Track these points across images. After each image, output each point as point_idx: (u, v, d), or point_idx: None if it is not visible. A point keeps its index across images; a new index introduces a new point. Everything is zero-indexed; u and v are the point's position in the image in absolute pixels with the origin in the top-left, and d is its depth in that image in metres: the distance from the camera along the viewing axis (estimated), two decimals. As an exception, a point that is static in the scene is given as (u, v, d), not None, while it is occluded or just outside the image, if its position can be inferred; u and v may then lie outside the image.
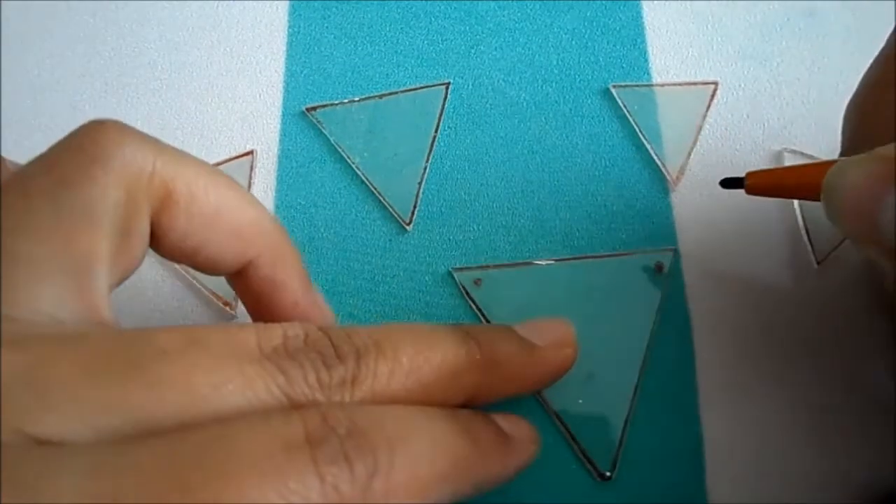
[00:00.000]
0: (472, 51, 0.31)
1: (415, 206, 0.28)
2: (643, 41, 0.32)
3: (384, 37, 0.32)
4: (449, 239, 0.28)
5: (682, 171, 0.29)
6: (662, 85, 0.31)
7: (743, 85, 0.31)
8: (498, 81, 0.31)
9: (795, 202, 0.28)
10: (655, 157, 0.29)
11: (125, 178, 0.18)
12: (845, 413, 0.25)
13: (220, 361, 0.16)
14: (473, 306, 0.26)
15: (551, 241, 0.28)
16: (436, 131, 0.30)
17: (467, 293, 0.27)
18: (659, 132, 0.29)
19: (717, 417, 0.25)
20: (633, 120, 0.30)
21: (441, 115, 0.30)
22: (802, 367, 0.26)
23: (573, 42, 0.32)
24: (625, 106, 0.30)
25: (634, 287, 0.27)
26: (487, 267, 0.27)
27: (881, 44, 0.23)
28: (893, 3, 0.31)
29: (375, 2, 0.33)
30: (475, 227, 0.28)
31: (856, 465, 0.25)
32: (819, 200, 0.21)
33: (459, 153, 0.29)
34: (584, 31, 0.32)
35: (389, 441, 0.16)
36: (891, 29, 0.23)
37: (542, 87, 0.31)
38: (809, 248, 0.27)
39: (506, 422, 0.21)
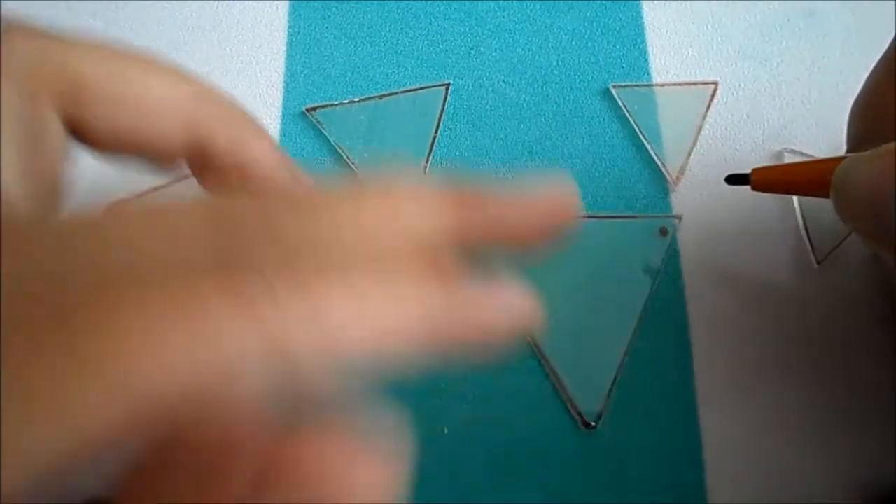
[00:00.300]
0: (472, 51, 0.31)
1: (415, 207, 0.28)
2: (643, 41, 0.32)
3: (384, 37, 0.32)
4: (449, 239, 0.28)
5: (682, 171, 0.29)
6: (662, 85, 0.31)
7: (743, 85, 0.31)
8: (498, 82, 0.31)
9: (796, 202, 0.28)
10: (655, 157, 0.29)
11: (19, 80, 0.17)
12: (845, 412, 0.25)
13: None
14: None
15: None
16: (436, 132, 0.30)
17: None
18: (659, 132, 0.29)
19: (717, 417, 0.25)
20: (633, 120, 0.30)
21: (441, 115, 0.30)
22: (802, 367, 0.26)
23: (573, 42, 0.32)
24: (625, 106, 0.30)
25: (637, 248, 0.27)
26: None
27: (881, 44, 0.23)
28: (893, 3, 0.31)
29: (375, 2, 0.33)
30: (475, 228, 0.28)
31: (856, 464, 0.25)
32: (825, 196, 0.21)
33: (459, 154, 0.29)
34: (584, 31, 0.32)
35: (333, 267, 0.13)
36: (891, 29, 0.23)
37: (542, 87, 0.31)
38: (809, 248, 0.27)
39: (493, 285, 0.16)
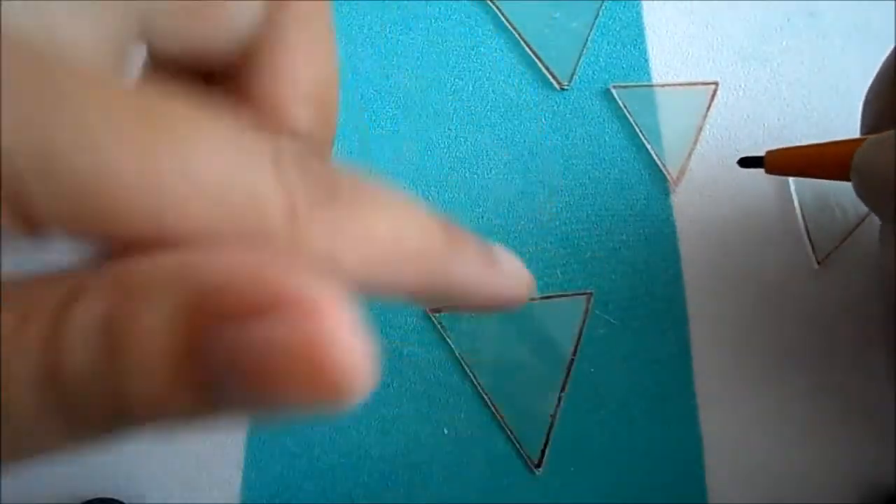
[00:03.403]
0: (472, 51, 0.31)
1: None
2: (643, 41, 0.32)
3: (384, 37, 0.32)
4: (449, 240, 0.28)
5: (682, 171, 0.29)
6: (662, 85, 0.31)
7: (743, 85, 0.31)
8: (498, 83, 0.31)
9: (796, 202, 0.28)
10: (655, 158, 0.29)
11: None
12: (845, 412, 0.25)
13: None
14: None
15: (551, 242, 0.28)
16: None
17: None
18: (659, 132, 0.29)
19: (717, 418, 0.25)
20: (633, 120, 0.30)
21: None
22: (802, 367, 0.26)
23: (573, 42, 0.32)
24: (625, 106, 0.30)
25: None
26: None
27: (881, 44, 0.23)
28: (893, 3, 0.31)
29: (376, 2, 0.33)
30: (474, 228, 0.28)
31: (856, 464, 0.25)
32: (842, 179, 0.21)
33: (460, 155, 0.30)
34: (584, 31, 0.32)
35: (357, 193, 0.14)
36: (891, 29, 0.23)
37: (541, 87, 0.31)
38: (809, 248, 0.28)
39: (501, 252, 0.18)
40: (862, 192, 0.21)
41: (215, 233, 0.12)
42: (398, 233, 0.15)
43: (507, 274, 0.18)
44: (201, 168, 0.12)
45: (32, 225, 0.11)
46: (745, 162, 0.25)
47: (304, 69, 0.17)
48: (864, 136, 0.22)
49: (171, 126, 0.12)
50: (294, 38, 0.16)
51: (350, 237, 0.14)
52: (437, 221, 0.16)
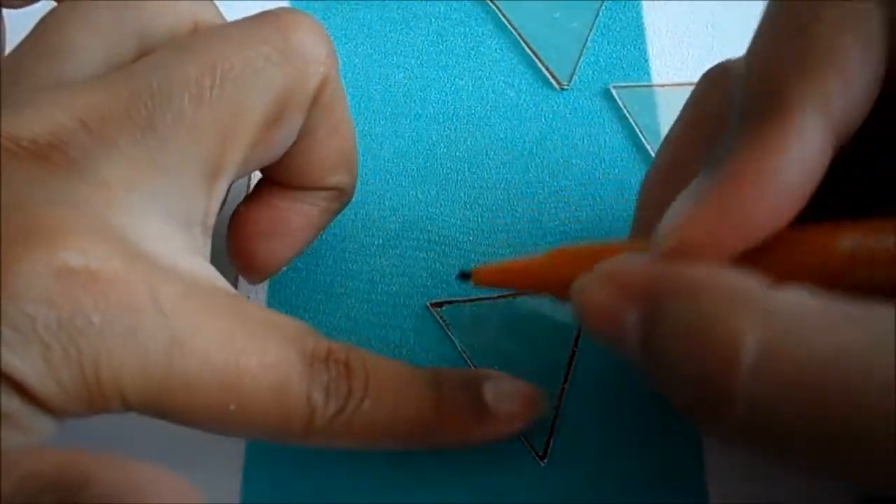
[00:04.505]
0: (472, 51, 0.31)
1: (414, 208, 0.28)
2: (643, 41, 0.32)
3: (384, 37, 0.32)
4: (448, 239, 0.28)
5: (681, 171, 0.29)
6: (662, 85, 0.31)
7: (743, 85, 0.31)
8: (498, 83, 0.31)
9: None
10: (655, 158, 0.29)
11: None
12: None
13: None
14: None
15: (551, 242, 0.28)
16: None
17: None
18: (659, 132, 0.29)
19: (717, 418, 0.25)
20: (633, 120, 0.30)
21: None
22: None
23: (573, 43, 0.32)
24: (625, 106, 0.30)
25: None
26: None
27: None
28: (894, 2, 0.31)
29: (375, 2, 0.33)
30: (474, 229, 0.28)
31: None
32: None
33: (459, 155, 0.29)
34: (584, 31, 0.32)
35: (366, 389, 0.20)
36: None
37: (541, 87, 0.31)
38: (809, 248, 0.27)
39: (497, 390, 0.22)
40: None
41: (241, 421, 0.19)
42: (395, 414, 0.20)
43: (495, 420, 0.22)
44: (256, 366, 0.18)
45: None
46: (462, 276, 0.23)
47: (331, 146, 0.23)
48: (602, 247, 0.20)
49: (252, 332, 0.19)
50: (323, 129, 0.22)
51: (352, 438, 0.20)
52: (428, 394, 0.21)
